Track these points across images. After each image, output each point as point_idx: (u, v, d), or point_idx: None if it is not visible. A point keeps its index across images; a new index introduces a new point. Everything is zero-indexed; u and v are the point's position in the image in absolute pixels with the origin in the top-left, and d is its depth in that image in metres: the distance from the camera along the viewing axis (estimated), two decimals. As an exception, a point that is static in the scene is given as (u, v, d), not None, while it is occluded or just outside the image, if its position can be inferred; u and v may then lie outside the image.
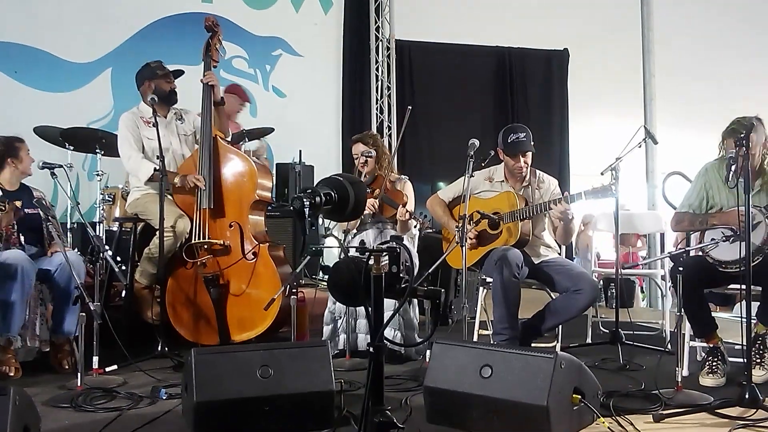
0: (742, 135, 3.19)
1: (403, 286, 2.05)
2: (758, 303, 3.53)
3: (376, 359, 2.07)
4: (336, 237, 4.18)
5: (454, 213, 4.30)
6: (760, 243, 3.44)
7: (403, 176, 4.53)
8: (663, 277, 4.95)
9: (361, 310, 4.12)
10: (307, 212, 2.03)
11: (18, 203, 3.85)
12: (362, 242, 4.17)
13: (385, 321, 2.15)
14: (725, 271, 3.57)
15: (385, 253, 2.03)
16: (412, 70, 8.64)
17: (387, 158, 4.50)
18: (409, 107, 4.53)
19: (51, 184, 3.97)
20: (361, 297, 2.06)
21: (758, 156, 3.65)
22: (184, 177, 4.33)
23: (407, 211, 4.17)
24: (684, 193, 4.01)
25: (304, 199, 2.04)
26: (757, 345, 3.56)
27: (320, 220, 4.44)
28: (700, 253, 3.66)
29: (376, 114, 8.41)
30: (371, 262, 2.03)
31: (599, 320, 5.00)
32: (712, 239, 3.51)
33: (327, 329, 4.25)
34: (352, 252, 2.22)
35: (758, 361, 3.54)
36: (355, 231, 4.38)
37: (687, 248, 3.67)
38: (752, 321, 3.34)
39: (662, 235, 6.33)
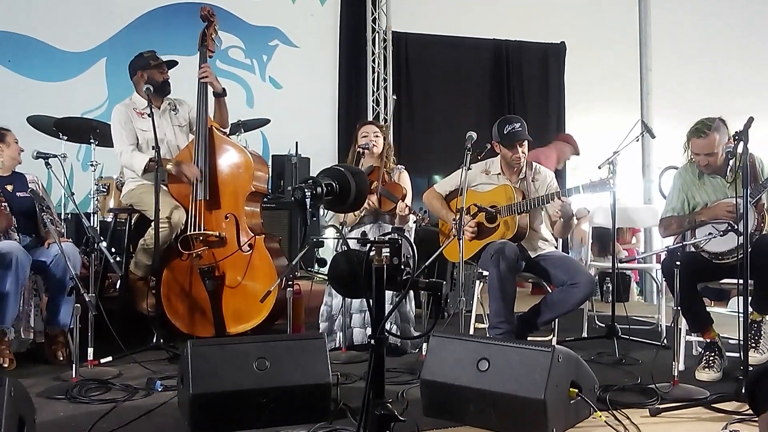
0: (739, 131, 3.17)
1: (404, 278, 2.03)
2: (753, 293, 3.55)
3: (377, 351, 2.05)
4: (336, 227, 4.15)
5: (451, 206, 4.28)
6: (750, 231, 3.44)
7: (399, 166, 4.50)
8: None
9: (356, 305, 4.12)
10: (308, 203, 2.01)
11: (9, 187, 3.83)
12: (363, 233, 4.17)
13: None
14: (721, 263, 3.57)
15: (386, 245, 2.01)
16: (408, 63, 8.58)
17: (390, 150, 4.47)
18: (394, 96, 4.51)
19: (45, 174, 3.94)
20: (362, 289, 2.04)
21: (721, 155, 3.67)
22: (179, 166, 4.31)
23: (407, 206, 4.16)
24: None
25: (306, 190, 2.01)
26: (752, 332, 3.62)
27: (321, 211, 4.41)
28: (693, 249, 3.67)
29: (372, 106, 8.37)
30: (372, 253, 2.01)
31: (595, 314, 5.00)
32: (709, 234, 3.51)
33: (323, 326, 4.22)
34: (353, 244, 2.20)
35: (754, 345, 3.62)
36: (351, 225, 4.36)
37: (684, 242, 3.68)
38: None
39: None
